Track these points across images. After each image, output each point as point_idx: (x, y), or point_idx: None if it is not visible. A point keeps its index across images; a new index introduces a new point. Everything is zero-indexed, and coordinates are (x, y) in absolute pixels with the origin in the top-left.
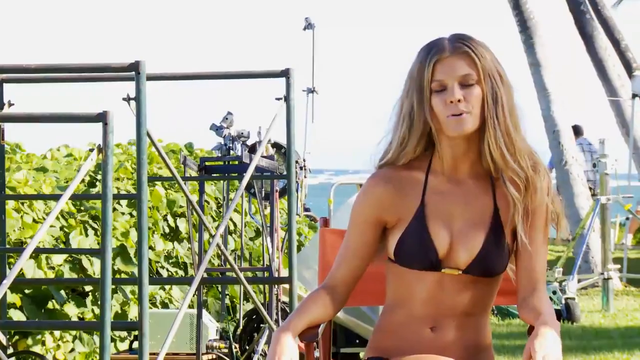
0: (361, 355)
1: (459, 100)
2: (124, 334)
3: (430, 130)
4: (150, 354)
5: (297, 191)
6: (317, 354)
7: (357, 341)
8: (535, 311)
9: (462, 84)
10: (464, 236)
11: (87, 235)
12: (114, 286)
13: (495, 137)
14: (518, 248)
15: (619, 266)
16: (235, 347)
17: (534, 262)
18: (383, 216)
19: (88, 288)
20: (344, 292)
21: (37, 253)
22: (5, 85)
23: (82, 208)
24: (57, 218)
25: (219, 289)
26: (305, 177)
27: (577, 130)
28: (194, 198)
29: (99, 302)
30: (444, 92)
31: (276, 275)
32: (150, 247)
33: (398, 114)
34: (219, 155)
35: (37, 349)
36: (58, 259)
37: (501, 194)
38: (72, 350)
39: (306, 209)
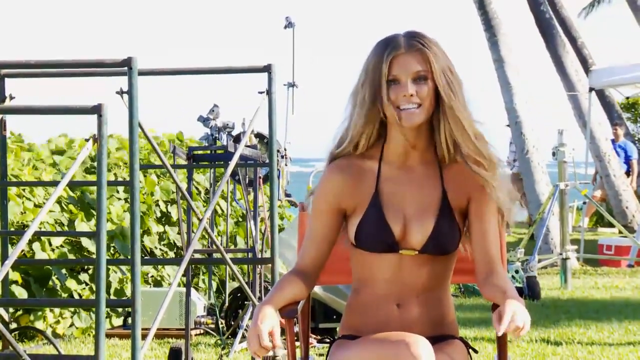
0: (338, 330)
1: (411, 95)
2: (119, 310)
3: (382, 120)
4: (143, 329)
5: (278, 178)
6: (296, 328)
7: (334, 317)
8: (499, 289)
9: (415, 80)
10: (417, 219)
11: (88, 220)
12: (114, 266)
13: (455, 126)
14: (471, 232)
15: (576, 247)
16: (222, 323)
17: (488, 244)
18: (341, 203)
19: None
20: (313, 273)
21: (37, 235)
22: (7, 80)
23: (83, 196)
24: (58, 202)
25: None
26: (286, 164)
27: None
28: (184, 185)
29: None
30: (398, 86)
31: (259, 256)
32: (147, 231)
33: (353, 104)
34: (206, 144)
35: (39, 324)
36: (57, 241)
37: (449, 179)
38: (72, 325)
39: (287, 195)
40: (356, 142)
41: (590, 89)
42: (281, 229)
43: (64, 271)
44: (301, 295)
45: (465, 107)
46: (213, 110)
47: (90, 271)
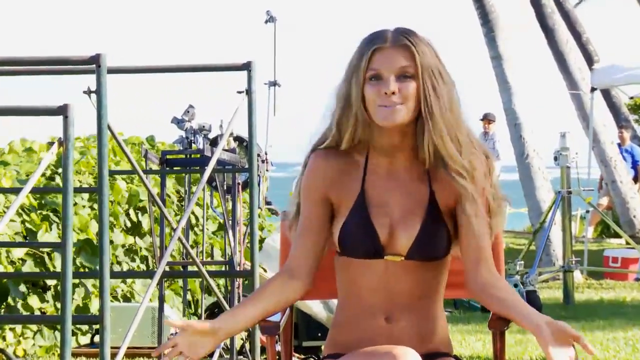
0: (322, 348)
1: (393, 92)
2: (85, 327)
3: (366, 118)
4: (112, 347)
5: (258, 184)
6: (278, 347)
7: (319, 334)
8: (503, 295)
9: (399, 77)
10: (403, 222)
11: (50, 229)
12: (76, 280)
13: (435, 132)
14: (459, 229)
15: (579, 259)
16: None
17: (478, 242)
18: (329, 192)
19: (49, 282)
20: (304, 271)
21: None
22: None
23: (43, 202)
24: (18, 212)
25: (181, 283)
26: (267, 170)
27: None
28: (156, 191)
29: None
30: (380, 82)
31: (238, 268)
32: (110, 241)
33: (335, 100)
34: (181, 148)
35: None
36: (18, 252)
37: (437, 181)
38: (34, 344)
39: (268, 202)
40: (338, 140)
41: (593, 89)
42: (261, 240)
43: (22, 288)
44: (285, 300)
45: (453, 111)
46: (188, 111)
47: (52, 288)
